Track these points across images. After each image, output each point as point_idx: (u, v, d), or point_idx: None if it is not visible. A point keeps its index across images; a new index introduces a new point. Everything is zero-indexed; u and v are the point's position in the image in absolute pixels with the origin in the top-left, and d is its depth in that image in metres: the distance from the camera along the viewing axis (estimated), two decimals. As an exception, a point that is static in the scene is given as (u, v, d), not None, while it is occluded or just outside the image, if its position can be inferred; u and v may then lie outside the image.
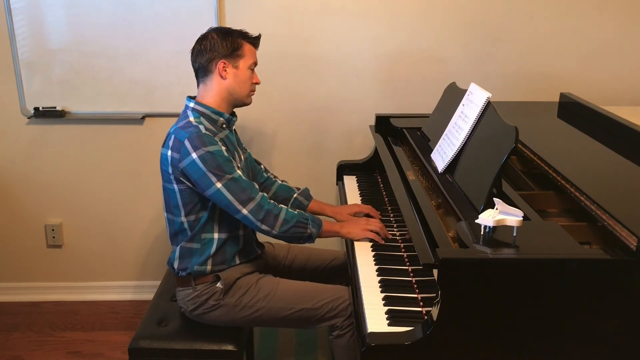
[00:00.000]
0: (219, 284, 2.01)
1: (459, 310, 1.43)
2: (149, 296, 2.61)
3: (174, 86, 2.79)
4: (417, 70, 2.80)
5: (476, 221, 1.50)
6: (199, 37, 2.04)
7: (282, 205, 2.00)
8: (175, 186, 1.98)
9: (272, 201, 1.98)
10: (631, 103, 2.81)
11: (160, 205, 2.98)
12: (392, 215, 2.25)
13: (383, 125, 2.62)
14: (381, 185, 2.53)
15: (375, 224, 2.05)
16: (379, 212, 2.21)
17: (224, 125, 2.05)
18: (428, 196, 1.90)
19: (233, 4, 2.71)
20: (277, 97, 2.81)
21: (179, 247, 2.04)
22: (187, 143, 1.90)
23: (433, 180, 1.98)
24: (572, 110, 2.49)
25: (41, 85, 2.80)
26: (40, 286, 3.12)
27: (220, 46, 1.99)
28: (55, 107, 2.83)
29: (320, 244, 2.41)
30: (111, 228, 3.04)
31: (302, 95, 2.84)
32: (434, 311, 1.45)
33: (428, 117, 2.42)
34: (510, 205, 1.50)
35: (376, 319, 1.61)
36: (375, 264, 1.90)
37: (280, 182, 2.34)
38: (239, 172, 1.95)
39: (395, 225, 2.16)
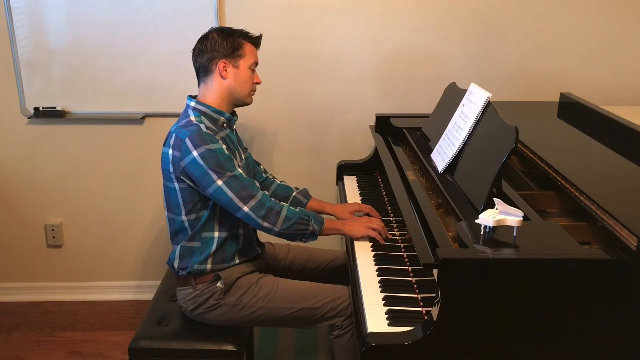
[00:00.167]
0: (219, 284, 2.01)
1: (459, 310, 1.43)
2: (149, 296, 2.61)
3: (174, 86, 2.79)
4: (417, 70, 2.80)
5: (476, 221, 1.50)
6: (200, 37, 2.04)
7: (284, 203, 2.00)
8: (176, 185, 1.98)
9: (273, 199, 1.98)
10: (631, 103, 2.81)
11: (160, 205, 2.96)
12: (392, 215, 2.25)
13: (383, 125, 2.62)
14: (381, 185, 2.53)
15: (377, 222, 2.05)
16: (378, 213, 2.21)
17: (225, 125, 2.06)
18: (428, 196, 1.90)
19: (233, 4, 2.71)
20: (277, 97, 2.81)
21: (179, 246, 2.04)
22: (188, 141, 1.91)
23: (433, 180, 1.98)
24: (572, 110, 2.49)
25: (41, 85, 2.80)
26: (40, 286, 3.12)
27: (221, 46, 1.99)
28: (55, 107, 2.83)
29: (320, 244, 2.41)
30: (111, 228, 3.05)
31: (302, 95, 2.84)
32: (434, 311, 1.45)
33: (428, 117, 2.42)
34: (510, 205, 1.50)
35: (376, 319, 1.61)
36: (375, 264, 1.90)
37: (279, 182, 2.34)
38: (239, 170, 1.95)
39: (395, 225, 2.16)
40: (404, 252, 1.97)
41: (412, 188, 1.96)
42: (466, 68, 2.78)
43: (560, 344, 1.45)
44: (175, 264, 2.05)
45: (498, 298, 1.42)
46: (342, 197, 2.49)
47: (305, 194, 2.33)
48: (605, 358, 1.47)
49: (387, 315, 1.62)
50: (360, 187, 2.53)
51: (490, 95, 1.90)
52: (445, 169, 1.97)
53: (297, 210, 1.99)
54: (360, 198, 2.43)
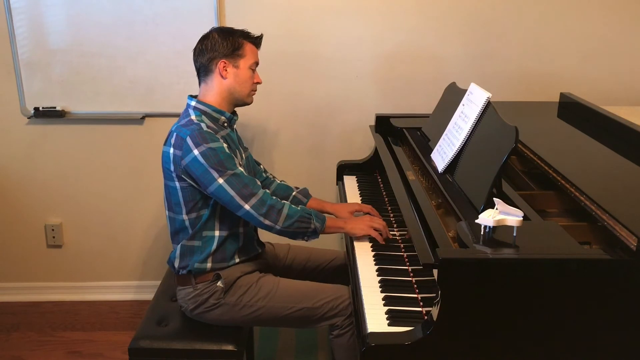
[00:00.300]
0: (219, 283, 2.01)
1: (459, 310, 1.43)
2: (149, 296, 2.61)
3: (174, 86, 2.79)
4: (417, 70, 2.80)
5: (476, 221, 1.50)
6: (201, 37, 2.05)
7: (285, 201, 2.00)
8: (177, 184, 1.98)
9: (274, 197, 1.97)
10: (631, 103, 2.81)
11: (160, 205, 2.98)
12: (392, 215, 2.25)
13: (383, 125, 2.62)
14: (381, 185, 2.53)
15: (379, 222, 2.05)
16: (378, 213, 2.21)
17: (226, 124, 2.06)
18: (428, 196, 1.90)
19: (233, 4, 2.71)
20: (277, 96, 2.81)
21: (179, 245, 2.04)
22: (189, 140, 1.91)
23: (433, 180, 1.98)
24: (572, 110, 2.49)
25: (41, 85, 2.80)
26: (40, 286, 3.12)
27: (221, 46, 2.00)
28: (55, 107, 2.83)
29: (320, 243, 2.41)
30: (111, 228, 3.05)
31: (302, 95, 2.84)
32: (434, 311, 1.45)
33: (428, 117, 2.42)
34: (510, 205, 1.50)
35: (376, 319, 1.61)
36: (375, 264, 1.90)
37: (278, 181, 2.34)
38: (240, 168, 1.95)
39: (395, 225, 2.16)
40: (404, 252, 1.97)
41: (412, 188, 1.96)
42: (466, 68, 2.78)
43: (560, 344, 1.45)
44: (176, 263, 2.05)
45: (498, 298, 1.42)
46: (342, 197, 2.49)
47: (305, 193, 2.33)
48: (605, 358, 1.47)
49: (387, 315, 1.62)
50: (360, 187, 2.53)
51: (490, 95, 1.90)
52: (445, 169, 1.97)
53: (298, 208, 1.99)
54: (360, 198, 2.43)
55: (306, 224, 1.98)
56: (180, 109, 2.10)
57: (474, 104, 1.95)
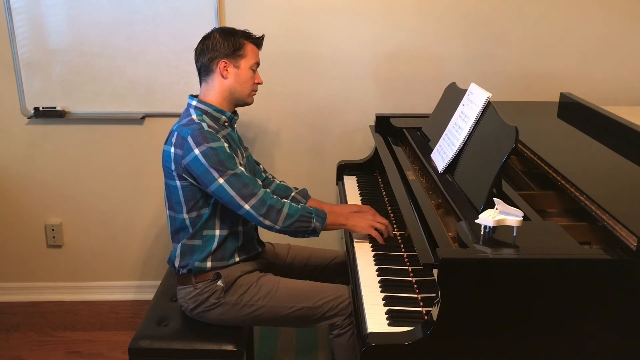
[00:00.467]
0: (219, 282, 2.01)
1: (459, 310, 1.43)
2: (149, 296, 2.61)
3: (174, 86, 2.79)
4: (417, 70, 2.80)
5: (476, 221, 1.50)
6: (203, 37, 2.05)
7: (285, 200, 2.00)
8: (178, 182, 1.98)
9: (274, 196, 1.97)
10: (631, 103, 2.81)
11: (160, 205, 2.98)
12: (392, 215, 2.25)
13: (383, 125, 2.62)
14: (381, 185, 2.53)
15: (381, 221, 2.04)
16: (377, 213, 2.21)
17: (226, 124, 2.06)
18: (428, 196, 1.90)
19: (233, 4, 2.71)
20: (277, 96, 2.81)
21: (180, 244, 2.04)
22: (190, 139, 1.91)
23: (433, 180, 1.98)
24: (572, 110, 2.49)
25: (41, 85, 2.80)
26: (40, 286, 3.12)
27: (222, 46, 2.00)
28: (55, 107, 2.83)
29: (320, 243, 2.41)
30: (111, 228, 3.05)
31: (302, 95, 2.84)
32: (434, 311, 1.45)
33: (428, 117, 2.42)
34: (510, 205, 1.50)
35: (376, 319, 1.61)
36: (375, 264, 1.90)
37: (278, 182, 2.34)
38: (241, 168, 1.96)
39: (395, 225, 2.16)
40: (404, 252, 1.97)
41: (412, 188, 1.96)
42: (466, 68, 2.78)
43: (560, 344, 1.45)
44: (176, 263, 2.05)
45: (498, 298, 1.42)
46: (342, 197, 2.49)
47: (304, 194, 2.33)
48: (605, 358, 1.47)
49: (387, 315, 1.62)
50: (360, 187, 2.53)
51: (490, 95, 1.90)
52: (445, 169, 1.97)
53: (299, 207, 1.99)
54: (360, 198, 2.43)
55: (306, 223, 1.98)
56: (180, 109, 2.10)
57: (474, 104, 1.95)
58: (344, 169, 2.67)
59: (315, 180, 2.89)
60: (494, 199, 1.50)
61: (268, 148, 2.92)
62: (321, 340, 2.77)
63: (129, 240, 3.07)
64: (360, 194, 2.47)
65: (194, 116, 2.00)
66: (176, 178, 1.98)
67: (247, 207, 1.92)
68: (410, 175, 2.07)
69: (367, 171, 2.66)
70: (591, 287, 1.42)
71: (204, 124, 1.96)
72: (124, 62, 2.77)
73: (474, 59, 2.79)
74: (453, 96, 2.22)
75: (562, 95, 2.60)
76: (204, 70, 2.05)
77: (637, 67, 2.80)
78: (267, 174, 2.34)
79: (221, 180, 1.91)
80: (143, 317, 2.15)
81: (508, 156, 1.64)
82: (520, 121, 1.83)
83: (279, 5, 2.72)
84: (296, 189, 2.34)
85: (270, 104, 2.80)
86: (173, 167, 1.97)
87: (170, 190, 2.02)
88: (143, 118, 2.87)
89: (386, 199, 2.39)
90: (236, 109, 2.13)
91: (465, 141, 1.92)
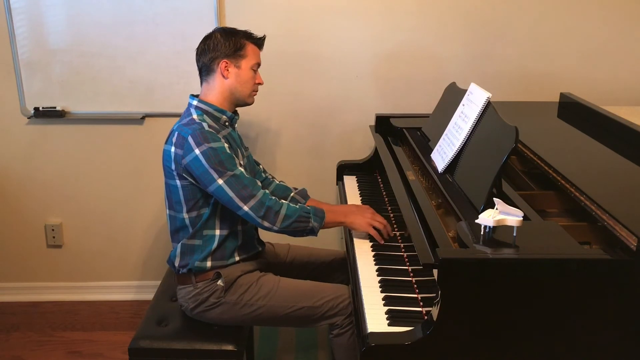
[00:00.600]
0: (219, 282, 2.01)
1: (459, 310, 1.43)
2: (149, 296, 2.61)
3: (174, 86, 2.79)
4: (417, 70, 2.80)
5: (476, 221, 1.50)
6: (204, 37, 2.06)
7: (284, 201, 2.00)
8: (178, 182, 1.98)
9: (273, 197, 1.98)
10: (631, 103, 2.81)
11: (160, 205, 2.98)
12: (392, 215, 2.25)
13: (383, 125, 2.62)
14: (381, 185, 2.53)
15: (380, 220, 2.04)
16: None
17: (227, 123, 2.07)
18: (428, 196, 1.90)
19: (233, 4, 2.71)
20: (277, 97, 2.81)
21: (180, 244, 2.04)
22: (190, 139, 1.91)
23: (433, 180, 1.98)
24: (572, 110, 2.49)
25: (41, 85, 2.80)
26: (40, 286, 3.12)
27: (223, 46, 2.00)
28: (55, 107, 2.83)
29: (320, 243, 2.41)
30: (111, 228, 3.05)
31: (302, 95, 2.84)
32: (434, 311, 1.45)
33: (428, 117, 2.42)
34: (510, 205, 1.50)
35: (376, 319, 1.61)
36: (375, 264, 1.90)
37: (277, 182, 2.34)
38: (241, 169, 1.96)
39: (395, 225, 2.16)
40: (404, 252, 1.97)
41: (412, 188, 1.96)
42: (466, 68, 2.78)
43: (560, 344, 1.45)
44: (176, 262, 2.05)
45: (498, 298, 1.42)
46: (342, 197, 2.49)
47: (304, 194, 2.33)
48: (605, 358, 1.47)
49: (387, 315, 1.62)
50: (360, 187, 2.53)
51: (490, 95, 1.90)
52: (445, 169, 1.97)
53: (297, 207, 1.99)
54: (360, 198, 2.43)
55: (304, 223, 1.98)
56: (180, 109, 2.10)
57: (474, 104, 1.95)
58: (344, 169, 2.67)
59: (315, 180, 2.89)
60: (494, 199, 1.50)
61: (268, 148, 2.92)
62: (321, 340, 2.77)
63: (129, 240, 3.07)
64: (360, 194, 2.47)
65: (195, 116, 2.00)
66: (176, 177, 1.98)
67: (245, 208, 1.93)
68: (410, 175, 2.07)
69: (367, 171, 2.66)
70: (591, 287, 1.42)
71: (204, 124, 1.96)
72: (124, 62, 2.77)
73: (474, 59, 2.79)
74: (453, 96, 2.22)
75: (562, 95, 2.60)
76: (205, 70, 2.05)
77: (637, 67, 2.80)
78: (266, 174, 2.34)
79: (220, 181, 1.91)
80: (143, 317, 2.15)
81: (508, 156, 1.64)
82: (520, 121, 1.83)
83: (279, 5, 2.72)
84: (295, 189, 2.34)
85: (270, 104, 2.80)
86: (173, 167, 1.97)
87: (170, 190, 2.03)
88: (143, 118, 2.87)
89: (386, 199, 2.39)
90: (237, 109, 2.13)
91: (465, 141, 1.92)
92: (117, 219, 3.03)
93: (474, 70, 2.78)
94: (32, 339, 2.81)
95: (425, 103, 2.72)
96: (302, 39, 2.76)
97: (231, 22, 2.63)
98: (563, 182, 1.72)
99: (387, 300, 1.69)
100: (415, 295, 1.72)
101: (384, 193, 2.45)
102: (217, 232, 2.03)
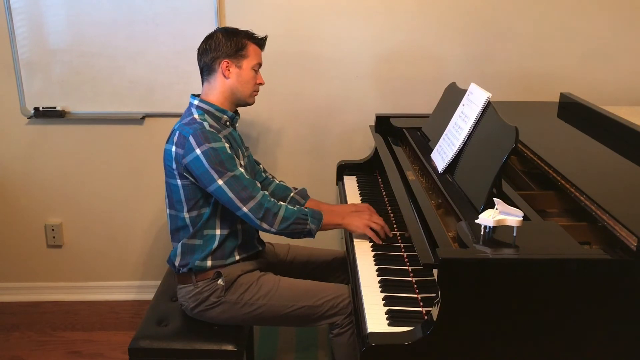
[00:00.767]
0: (220, 281, 2.02)
1: (459, 310, 1.43)
2: (149, 296, 2.61)
3: (174, 86, 2.79)
4: (417, 70, 2.80)
5: (476, 221, 1.50)
6: (206, 36, 2.06)
7: (282, 203, 2.01)
8: (179, 181, 1.99)
9: (272, 199, 1.98)
10: (631, 103, 2.81)
11: (160, 205, 2.98)
12: (392, 215, 2.25)
13: (383, 125, 2.62)
14: (381, 185, 2.53)
15: (377, 221, 2.05)
16: (375, 211, 2.21)
17: (228, 123, 2.07)
18: (428, 196, 1.90)
19: (233, 4, 2.71)
20: (277, 97, 2.81)
21: (180, 243, 2.05)
22: (191, 139, 1.92)
23: (433, 180, 1.98)
24: (572, 110, 2.49)
25: (41, 85, 2.80)
26: (40, 286, 3.12)
27: (225, 46, 2.01)
28: (55, 107, 2.83)
29: (320, 243, 2.41)
30: (111, 228, 3.05)
31: (302, 95, 2.84)
32: (434, 311, 1.45)
33: (428, 117, 2.42)
34: (510, 205, 1.50)
35: (376, 319, 1.61)
36: (375, 264, 1.90)
37: (277, 181, 2.34)
38: (241, 169, 1.96)
39: (395, 225, 2.16)
40: (404, 252, 1.97)
41: (412, 188, 1.96)
42: (466, 68, 2.78)
43: (560, 344, 1.45)
44: (176, 262, 2.05)
45: (498, 298, 1.42)
46: (342, 197, 2.49)
47: (303, 194, 2.33)
48: (605, 358, 1.47)
49: (387, 315, 1.62)
50: (360, 187, 2.53)
51: (490, 95, 1.90)
52: (445, 169, 1.97)
53: (295, 209, 2.00)
54: (360, 198, 2.43)
55: (302, 225, 1.99)
56: (180, 109, 2.10)
57: (474, 104, 1.95)
58: (344, 169, 2.67)
59: (315, 180, 2.89)
60: (494, 199, 1.50)
61: (268, 148, 2.92)
62: (321, 339, 2.77)
63: (129, 240, 3.07)
64: (360, 194, 2.47)
65: (196, 115, 2.00)
66: (177, 177, 1.98)
67: (245, 209, 1.93)
68: (410, 175, 2.07)
69: (367, 171, 2.66)
70: (591, 287, 1.42)
71: (205, 124, 1.96)
72: (124, 62, 2.77)
73: (474, 59, 2.79)
74: (453, 96, 2.22)
75: (562, 95, 2.60)
76: (206, 70, 2.05)
77: (637, 67, 2.80)
78: (266, 174, 2.34)
79: (220, 182, 1.91)
80: (143, 317, 2.15)
81: (508, 156, 1.64)
82: (520, 121, 1.83)
83: (279, 5, 2.72)
84: (295, 189, 2.34)
85: (270, 103, 2.81)
86: (174, 166, 1.97)
87: (171, 189, 2.03)
88: (143, 118, 2.87)
89: (386, 199, 2.39)
90: (237, 108, 2.13)
91: (465, 141, 1.92)
92: (117, 219, 3.03)
93: (474, 70, 2.78)
94: (32, 339, 2.81)
95: (425, 103, 2.72)
96: (302, 39, 2.76)
97: (231, 22, 2.63)
98: (563, 182, 1.72)
99: (387, 300, 1.69)
100: (415, 295, 1.72)
101: (384, 193, 2.45)
102: (218, 231, 2.03)
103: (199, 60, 2.06)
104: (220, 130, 2.00)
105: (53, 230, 3.03)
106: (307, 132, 2.90)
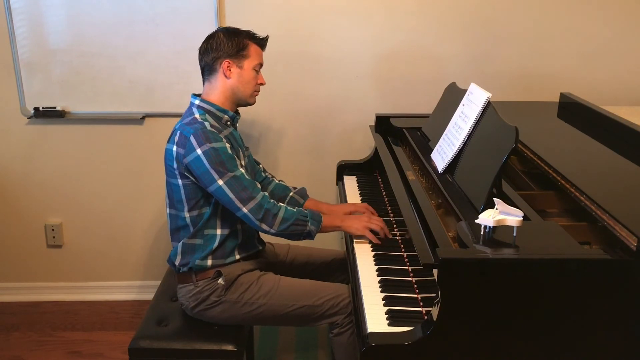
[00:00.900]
0: (220, 280, 2.02)
1: (459, 310, 1.43)
2: (149, 296, 2.61)
3: (174, 86, 2.79)
4: (417, 70, 2.80)
5: (476, 221, 1.50)
6: (207, 36, 2.06)
7: (282, 204, 2.00)
8: (180, 181, 1.99)
9: (272, 200, 1.98)
10: (631, 103, 2.81)
11: (160, 205, 2.98)
12: (392, 215, 2.25)
13: (383, 125, 2.62)
14: (381, 185, 2.53)
15: (377, 223, 2.05)
16: (374, 210, 2.21)
17: (229, 123, 2.07)
18: (428, 196, 1.90)
19: (233, 4, 2.71)
20: (277, 97, 2.81)
21: (180, 243, 2.05)
22: (192, 139, 1.92)
23: (433, 180, 1.98)
24: (572, 110, 2.49)
25: (41, 85, 2.80)
26: (40, 286, 3.12)
27: (226, 46, 2.01)
28: (55, 107, 2.83)
29: (320, 243, 2.41)
30: (111, 228, 3.05)
31: (302, 95, 2.84)
32: (434, 311, 1.45)
33: (428, 117, 2.43)
34: (510, 205, 1.50)
35: (376, 319, 1.61)
36: (375, 264, 1.90)
37: (277, 181, 2.34)
38: (241, 170, 1.96)
39: (395, 225, 2.16)
40: (404, 252, 1.97)
41: (412, 188, 1.96)
42: (466, 68, 2.78)
43: (560, 344, 1.45)
44: (176, 261, 2.05)
45: (498, 298, 1.42)
46: (342, 197, 2.49)
47: (303, 194, 2.33)
48: (605, 358, 1.47)
49: (387, 315, 1.62)
50: (360, 187, 2.53)
51: (490, 95, 1.90)
52: (445, 169, 1.97)
53: (295, 210, 2.00)
54: (360, 198, 2.43)
55: (301, 227, 1.99)
56: (180, 109, 2.10)
57: (474, 104, 1.95)
58: (344, 169, 2.67)
59: (315, 180, 2.89)
60: (494, 199, 1.50)
61: (268, 148, 2.92)
62: (321, 339, 2.77)
63: (129, 240, 3.07)
64: (360, 194, 2.47)
65: (197, 115, 2.00)
66: (178, 176, 1.99)
67: (244, 210, 1.93)
68: (410, 175, 2.07)
69: (367, 171, 2.66)
70: (591, 287, 1.42)
71: (206, 124, 1.96)
72: (124, 62, 2.77)
73: (474, 59, 2.79)
74: (453, 96, 2.22)
75: (562, 95, 2.60)
76: (207, 70, 2.05)
77: (637, 67, 2.80)
78: (266, 174, 2.35)
79: (221, 182, 1.91)
80: (143, 317, 2.15)
81: (508, 156, 1.64)
82: (520, 121, 1.83)
83: (279, 5, 2.72)
84: (295, 188, 2.34)
85: (270, 103, 2.80)
86: (175, 166, 1.97)
87: (172, 189, 2.03)
88: (143, 118, 2.87)
89: (386, 199, 2.39)
90: (238, 108, 2.13)
91: (465, 141, 1.92)
92: (117, 219, 3.03)
93: (474, 70, 2.79)
94: (32, 339, 2.81)
95: (425, 103, 2.72)
96: (302, 39, 2.76)
97: (231, 22, 2.63)
98: (563, 182, 1.72)
99: (387, 300, 1.69)
100: (415, 295, 1.72)
101: (384, 193, 2.45)
102: (219, 231, 2.03)
103: (200, 60, 2.06)
104: (221, 130, 2.00)
105: (53, 230, 3.03)
106: (307, 132, 2.90)
